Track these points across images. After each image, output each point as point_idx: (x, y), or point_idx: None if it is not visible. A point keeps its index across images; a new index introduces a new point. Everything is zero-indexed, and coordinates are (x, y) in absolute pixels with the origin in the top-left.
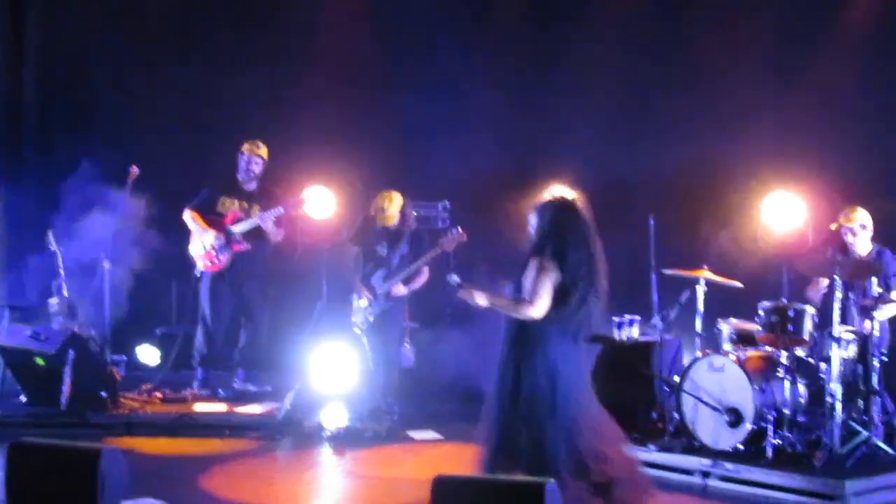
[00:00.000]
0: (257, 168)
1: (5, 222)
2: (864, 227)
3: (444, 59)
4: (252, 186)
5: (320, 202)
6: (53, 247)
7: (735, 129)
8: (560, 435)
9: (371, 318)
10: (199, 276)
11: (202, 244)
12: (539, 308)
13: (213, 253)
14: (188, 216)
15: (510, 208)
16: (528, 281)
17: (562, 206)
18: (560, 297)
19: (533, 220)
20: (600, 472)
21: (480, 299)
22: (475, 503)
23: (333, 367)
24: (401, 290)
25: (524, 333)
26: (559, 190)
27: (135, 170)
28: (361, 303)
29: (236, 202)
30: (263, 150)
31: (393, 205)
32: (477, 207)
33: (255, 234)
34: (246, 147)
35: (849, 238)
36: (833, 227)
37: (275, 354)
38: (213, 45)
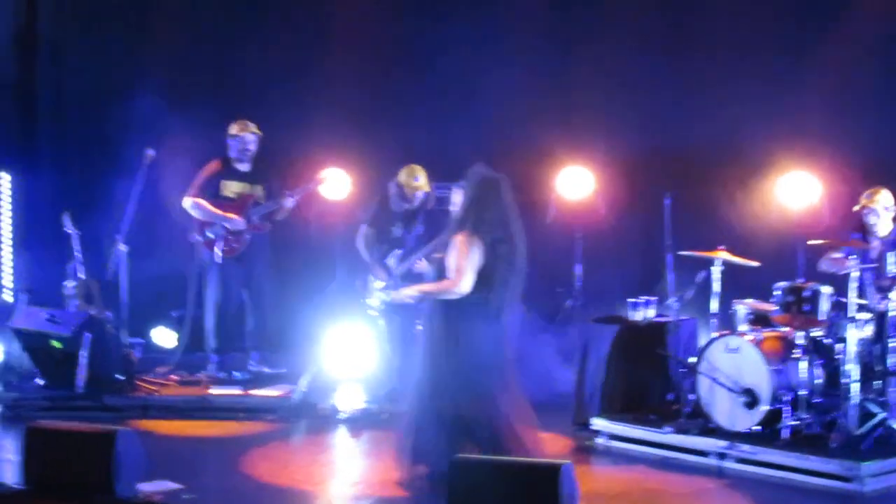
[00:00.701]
0: (253, 147)
1: (21, 205)
2: (887, 208)
3: (459, 36)
4: (247, 167)
5: (335, 183)
6: (69, 229)
7: (752, 109)
8: (482, 412)
9: (387, 300)
10: (217, 261)
11: (221, 230)
12: (464, 284)
13: (232, 237)
14: (196, 204)
15: (527, 187)
16: (451, 259)
17: (483, 185)
18: (482, 275)
19: (457, 199)
20: (515, 451)
21: (410, 293)
22: (491, 484)
23: (349, 349)
24: (424, 265)
25: (448, 313)
26: (481, 169)
27: (150, 152)
28: (377, 284)
29: (239, 185)
30: (255, 128)
31: (424, 175)
32: None
33: (267, 215)
34: (238, 128)
35: (871, 219)
36: (856, 208)
37: (288, 336)
38: (228, 21)
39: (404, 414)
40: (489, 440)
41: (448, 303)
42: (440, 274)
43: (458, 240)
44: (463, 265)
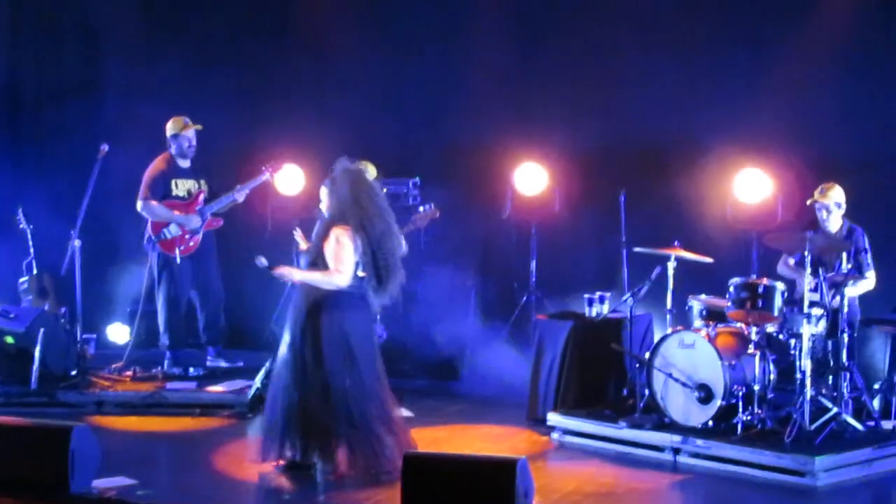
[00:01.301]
0: (194, 143)
1: None
2: (838, 204)
3: (416, 31)
4: (188, 164)
5: (288, 177)
6: (23, 224)
7: (707, 105)
8: (351, 400)
9: None
10: (177, 261)
11: (177, 230)
12: (346, 277)
13: (187, 237)
14: (149, 206)
15: (482, 182)
16: (330, 251)
17: (358, 178)
18: (361, 266)
19: (326, 193)
20: (384, 440)
21: (293, 274)
22: (445, 480)
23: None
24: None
25: (318, 303)
26: (350, 163)
27: (104, 147)
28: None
29: (187, 182)
30: (193, 123)
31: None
32: (448, 182)
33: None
34: (177, 125)
35: (822, 214)
36: (809, 202)
37: (245, 331)
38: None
39: (268, 404)
40: (357, 429)
41: (321, 292)
42: (313, 263)
43: (339, 232)
44: (345, 259)
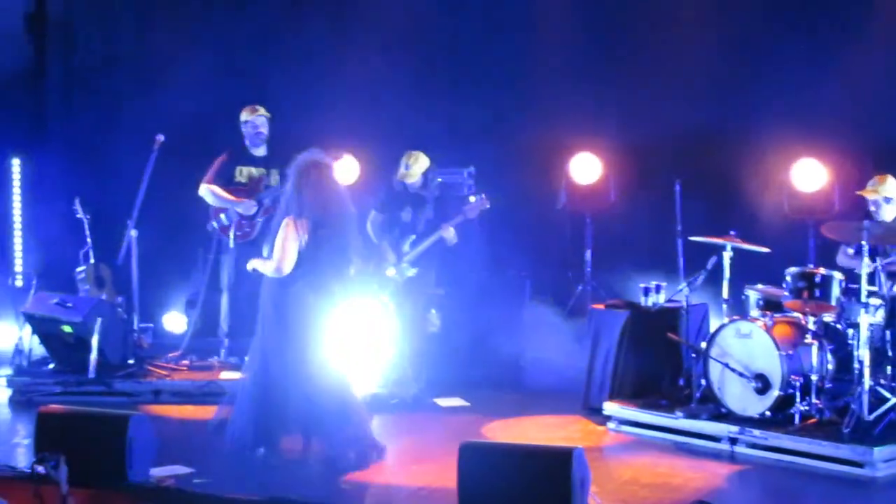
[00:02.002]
0: (265, 130)
1: (32, 189)
2: (887, 199)
3: (472, 23)
4: (263, 151)
5: (344, 167)
6: (80, 214)
7: (764, 94)
8: (308, 387)
9: (398, 284)
10: (230, 246)
11: (235, 216)
12: (283, 266)
13: (245, 222)
14: (210, 190)
15: (537, 173)
16: (276, 241)
17: (307, 170)
18: (306, 256)
19: (287, 186)
20: (342, 426)
21: (251, 266)
22: (501, 469)
23: (360, 333)
24: (450, 233)
25: (278, 292)
26: (309, 154)
27: (160, 137)
28: (388, 270)
29: (252, 169)
30: (264, 111)
31: (417, 164)
32: (503, 173)
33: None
34: (247, 113)
35: (876, 206)
36: (861, 193)
37: None
38: (238, 6)
39: (238, 391)
40: (317, 415)
41: (274, 281)
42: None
43: (283, 223)
44: (284, 248)
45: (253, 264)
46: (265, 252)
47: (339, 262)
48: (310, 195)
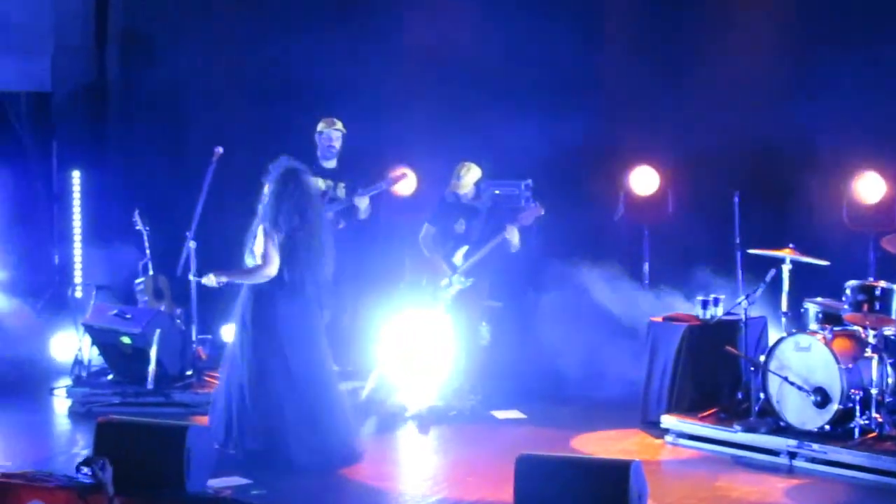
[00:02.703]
0: (338, 144)
1: (92, 202)
2: None
3: (528, 38)
4: (333, 164)
5: (405, 181)
6: (140, 226)
7: (823, 106)
8: (291, 394)
9: (452, 296)
10: None
11: None
12: (272, 268)
13: None
14: None
15: (595, 184)
16: (257, 247)
17: (285, 178)
18: (286, 260)
19: (265, 191)
20: (321, 427)
21: (216, 279)
22: (558, 482)
23: (417, 346)
24: (515, 234)
25: (256, 299)
26: (284, 162)
27: (219, 150)
28: (442, 281)
29: (323, 181)
30: (341, 126)
31: (469, 174)
32: (560, 185)
33: (345, 212)
34: (324, 125)
35: None
36: None
37: (358, 334)
38: (300, 21)
39: (218, 391)
40: (296, 417)
41: (255, 289)
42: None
43: (264, 228)
44: (270, 252)
45: (230, 277)
46: (252, 260)
47: (316, 267)
48: (289, 202)
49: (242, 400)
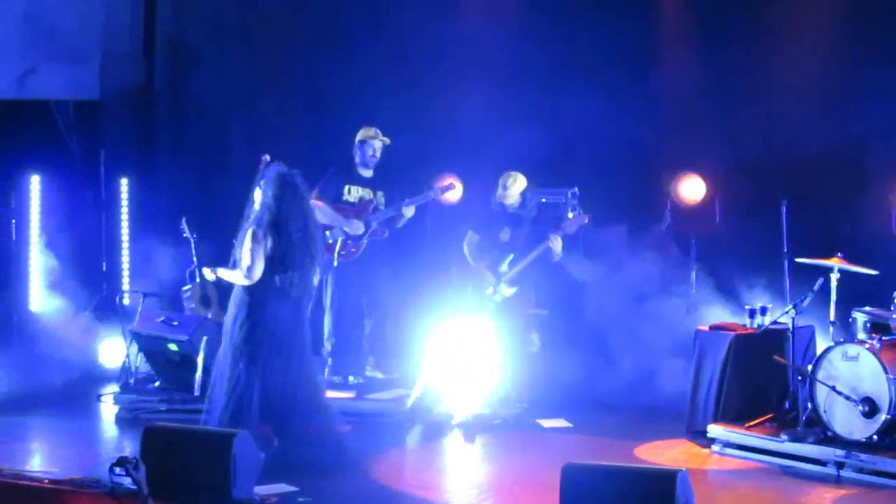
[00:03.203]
0: (379, 154)
1: (140, 209)
2: None
3: (570, 50)
4: (371, 173)
5: (456, 194)
6: (187, 234)
7: (872, 114)
8: (276, 389)
9: (498, 304)
10: (334, 264)
11: (342, 234)
12: (251, 274)
13: (350, 242)
14: (319, 207)
15: (643, 192)
16: (241, 250)
17: (281, 182)
18: (278, 263)
19: (258, 196)
20: (307, 429)
21: (217, 272)
22: (604, 490)
23: (462, 353)
24: (558, 244)
25: (248, 297)
26: (277, 168)
27: (266, 157)
28: (488, 289)
29: (361, 190)
30: (382, 135)
31: (516, 184)
32: (607, 193)
33: (389, 221)
34: (368, 134)
35: None
36: None
37: (403, 341)
38: (346, 31)
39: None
40: (281, 414)
41: (247, 288)
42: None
43: (252, 232)
44: (252, 257)
45: (220, 273)
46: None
47: (305, 271)
48: (283, 208)
49: (249, 397)
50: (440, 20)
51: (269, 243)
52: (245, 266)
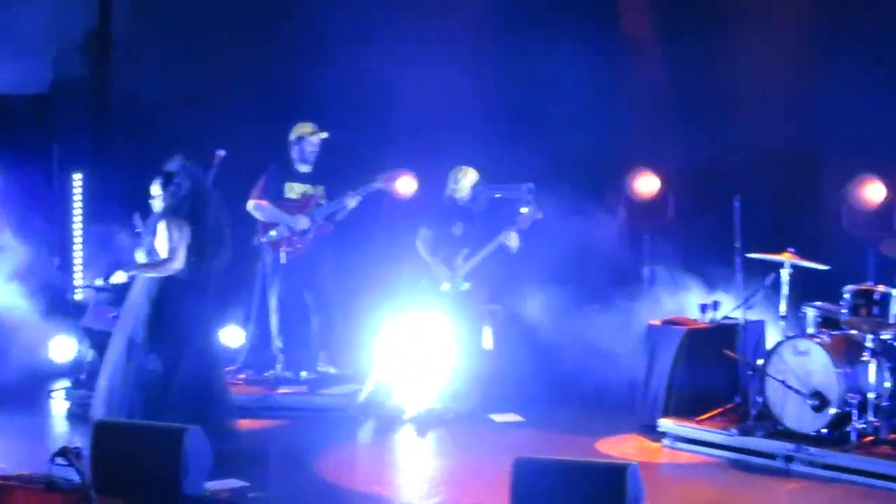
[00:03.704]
0: (316, 149)
1: (93, 204)
2: None
3: (533, 48)
4: (309, 168)
5: (401, 182)
6: (140, 229)
7: (823, 110)
8: (188, 381)
9: (451, 299)
10: (282, 262)
11: (287, 231)
12: (178, 263)
13: (296, 238)
14: (259, 205)
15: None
16: (162, 241)
17: (193, 174)
18: (191, 253)
19: (158, 189)
20: (216, 418)
21: (126, 274)
22: (555, 484)
23: (415, 348)
24: (513, 239)
25: (159, 288)
26: (181, 160)
27: (221, 153)
28: (444, 285)
29: (302, 186)
30: (318, 130)
31: (466, 178)
32: (560, 189)
33: (333, 216)
34: (304, 130)
35: None
36: None
37: (356, 336)
38: (297, 25)
39: (105, 372)
40: (185, 401)
41: (154, 280)
42: (150, 255)
43: (169, 224)
44: (177, 247)
45: (139, 269)
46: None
47: (212, 259)
48: (202, 196)
49: (158, 381)
50: (396, 20)
51: (185, 233)
52: (172, 257)
